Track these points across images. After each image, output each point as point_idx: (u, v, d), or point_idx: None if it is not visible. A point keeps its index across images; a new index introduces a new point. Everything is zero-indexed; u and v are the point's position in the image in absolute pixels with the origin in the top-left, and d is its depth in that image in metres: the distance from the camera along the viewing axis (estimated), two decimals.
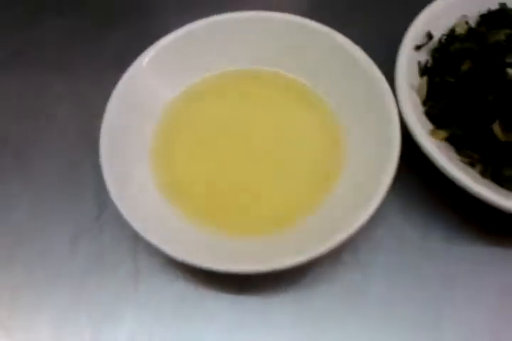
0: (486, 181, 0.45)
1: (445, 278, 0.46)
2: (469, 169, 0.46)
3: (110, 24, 0.60)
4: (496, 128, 0.44)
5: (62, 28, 0.59)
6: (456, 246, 0.48)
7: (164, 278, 0.45)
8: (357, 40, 0.49)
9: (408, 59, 0.49)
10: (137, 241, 0.46)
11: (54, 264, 0.47)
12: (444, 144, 0.47)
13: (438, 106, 0.47)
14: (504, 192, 0.44)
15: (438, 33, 0.52)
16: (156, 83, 0.47)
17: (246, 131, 0.48)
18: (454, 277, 0.46)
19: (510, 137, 0.43)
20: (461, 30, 0.52)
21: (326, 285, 0.46)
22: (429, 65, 0.50)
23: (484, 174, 0.45)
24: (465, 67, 0.48)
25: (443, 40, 0.51)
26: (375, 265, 0.47)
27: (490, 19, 0.52)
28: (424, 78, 0.49)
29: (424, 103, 0.48)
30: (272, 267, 0.38)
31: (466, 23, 0.52)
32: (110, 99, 0.44)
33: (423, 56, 0.51)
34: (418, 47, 0.50)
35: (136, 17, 0.61)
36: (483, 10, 0.53)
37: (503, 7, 0.52)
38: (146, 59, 0.47)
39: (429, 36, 0.50)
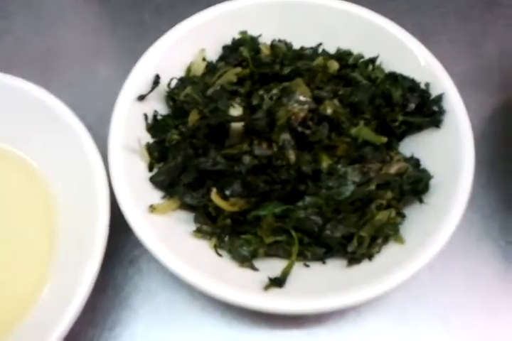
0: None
1: None
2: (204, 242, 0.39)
3: None
4: (214, 196, 0.37)
5: None
6: None
7: None
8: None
9: (129, 114, 0.41)
10: None
11: None
12: (180, 214, 0.40)
13: (164, 171, 0.40)
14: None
15: (173, 74, 0.44)
16: None
17: None
18: None
19: (231, 206, 0.37)
20: (198, 69, 0.44)
21: None
22: (159, 116, 0.43)
23: (220, 247, 0.39)
24: (192, 119, 0.40)
25: (172, 85, 0.43)
26: None
27: (229, 52, 0.45)
28: (148, 137, 0.41)
29: (152, 166, 0.41)
30: None
31: (204, 59, 0.45)
32: None
33: (154, 105, 0.43)
34: (141, 98, 0.42)
35: None
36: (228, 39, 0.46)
37: (242, 37, 0.46)
38: None
39: (156, 81, 0.42)
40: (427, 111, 0.42)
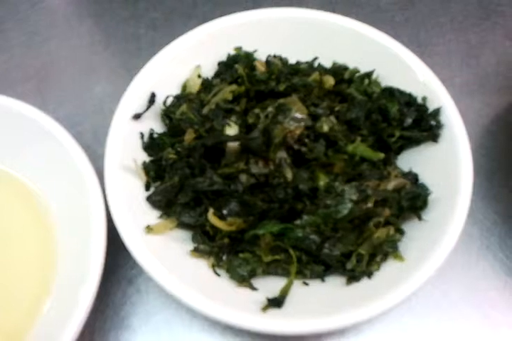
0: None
1: None
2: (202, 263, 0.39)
3: None
4: (211, 217, 0.37)
5: None
6: None
7: None
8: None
9: (124, 133, 0.41)
10: None
11: None
12: (177, 234, 0.40)
13: (160, 191, 0.39)
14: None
15: (169, 91, 0.44)
16: None
17: None
18: None
19: (228, 226, 0.37)
20: (193, 85, 0.44)
21: None
22: (155, 135, 0.42)
23: (219, 266, 0.39)
24: (188, 138, 0.40)
25: (168, 103, 0.43)
26: None
27: (224, 69, 0.45)
28: (144, 155, 0.41)
29: (149, 186, 0.41)
30: None
31: (199, 76, 0.45)
32: None
33: (150, 123, 0.43)
34: (137, 116, 0.41)
35: None
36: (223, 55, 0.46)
37: (237, 52, 0.45)
38: None
39: (152, 100, 0.42)
40: (424, 126, 0.42)
